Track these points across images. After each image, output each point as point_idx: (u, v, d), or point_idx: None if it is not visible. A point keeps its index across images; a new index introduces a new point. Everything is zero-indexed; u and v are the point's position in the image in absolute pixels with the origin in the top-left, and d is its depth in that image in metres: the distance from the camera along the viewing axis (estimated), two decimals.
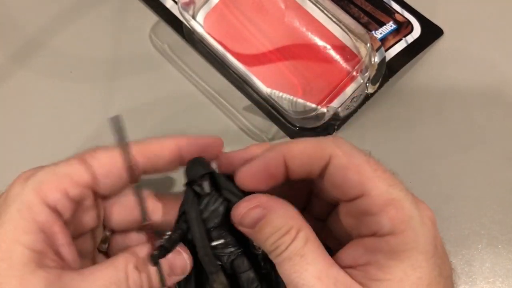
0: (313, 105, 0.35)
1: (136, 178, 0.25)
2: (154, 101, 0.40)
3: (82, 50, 0.43)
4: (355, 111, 0.38)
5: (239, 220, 0.26)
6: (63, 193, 0.26)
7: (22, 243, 0.24)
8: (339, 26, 0.39)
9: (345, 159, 0.25)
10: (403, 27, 0.41)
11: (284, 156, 0.26)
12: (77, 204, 0.27)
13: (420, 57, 0.41)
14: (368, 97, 0.38)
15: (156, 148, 0.28)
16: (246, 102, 0.39)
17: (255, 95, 0.38)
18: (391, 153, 0.38)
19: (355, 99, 0.37)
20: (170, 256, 0.25)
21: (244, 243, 0.27)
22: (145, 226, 0.25)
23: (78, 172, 0.26)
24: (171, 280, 0.27)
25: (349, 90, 0.37)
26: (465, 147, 0.38)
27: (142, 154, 0.27)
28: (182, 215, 0.27)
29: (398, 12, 0.42)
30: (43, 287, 0.23)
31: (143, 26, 0.43)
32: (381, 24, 0.41)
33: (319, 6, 0.39)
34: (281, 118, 0.38)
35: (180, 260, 0.27)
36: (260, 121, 0.39)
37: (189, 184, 0.27)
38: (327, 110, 0.36)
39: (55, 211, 0.25)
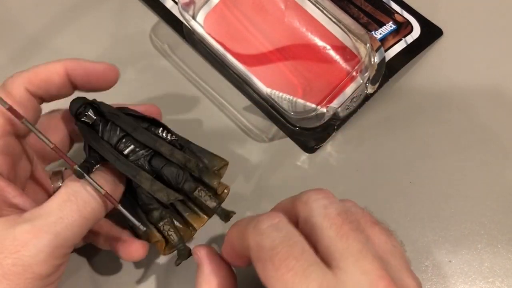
0: (313, 105, 0.35)
1: (19, 115, 0.26)
2: (154, 101, 0.40)
3: (82, 50, 0.43)
4: (355, 111, 0.38)
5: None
6: None
7: None
8: (339, 27, 0.39)
9: (254, 253, 0.23)
10: (402, 27, 0.41)
11: (244, 249, 0.25)
12: (9, 156, 0.27)
13: (420, 57, 0.41)
14: (368, 97, 0.38)
15: (44, 74, 0.28)
16: (246, 102, 0.39)
17: (255, 95, 0.38)
18: (391, 153, 0.38)
19: (355, 99, 0.37)
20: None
21: (152, 145, 0.30)
22: (54, 150, 0.26)
23: None
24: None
25: (349, 90, 0.37)
26: (465, 147, 0.38)
27: (31, 82, 0.28)
28: (90, 150, 0.29)
29: (397, 13, 0.42)
30: (7, 227, 0.24)
31: (143, 26, 0.43)
32: (381, 24, 0.41)
33: (319, 6, 0.39)
34: (281, 118, 0.38)
35: (108, 180, 0.28)
36: (260, 121, 0.39)
37: (77, 119, 0.29)
38: (327, 110, 0.36)
39: None
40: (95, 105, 0.30)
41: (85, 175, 0.26)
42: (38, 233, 0.24)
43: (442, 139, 0.38)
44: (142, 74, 0.42)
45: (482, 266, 0.34)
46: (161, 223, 0.30)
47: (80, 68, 0.29)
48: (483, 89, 0.40)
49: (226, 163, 0.32)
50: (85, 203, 0.26)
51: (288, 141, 0.38)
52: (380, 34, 0.40)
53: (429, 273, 0.33)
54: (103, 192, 0.26)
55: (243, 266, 0.27)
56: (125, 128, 0.29)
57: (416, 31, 0.41)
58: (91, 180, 0.26)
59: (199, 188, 0.30)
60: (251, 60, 0.39)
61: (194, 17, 0.40)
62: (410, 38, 0.40)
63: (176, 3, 0.41)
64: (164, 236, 0.30)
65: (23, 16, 0.44)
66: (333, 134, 0.38)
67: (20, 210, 0.26)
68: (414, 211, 0.35)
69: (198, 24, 0.39)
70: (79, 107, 0.29)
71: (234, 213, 0.30)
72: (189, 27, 0.39)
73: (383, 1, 0.42)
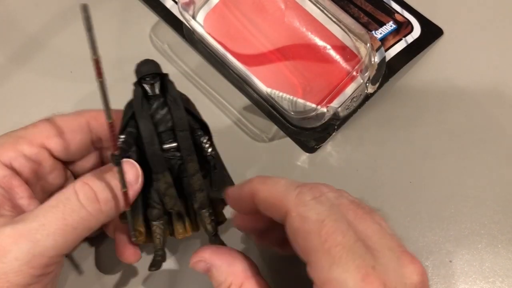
0: (313, 105, 0.35)
1: (116, 138, 0.24)
2: None
3: (82, 50, 0.42)
4: (355, 111, 0.38)
5: (192, 267, 0.27)
6: (18, 152, 0.27)
7: None
8: (339, 26, 0.39)
9: (297, 222, 0.23)
10: (403, 27, 0.41)
11: (252, 195, 0.26)
12: (36, 163, 0.27)
13: (420, 57, 0.41)
14: (368, 97, 0.38)
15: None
16: (246, 102, 0.39)
17: (255, 95, 0.38)
18: (391, 153, 0.38)
19: (355, 99, 0.37)
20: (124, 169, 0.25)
21: (185, 155, 0.27)
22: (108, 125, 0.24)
23: (33, 134, 0.28)
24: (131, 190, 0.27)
25: (349, 90, 0.37)
26: (465, 147, 0.38)
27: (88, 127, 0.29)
28: (131, 117, 0.26)
29: (398, 12, 0.42)
30: None
31: (143, 26, 0.43)
32: (381, 24, 0.41)
33: (319, 6, 0.39)
34: (281, 118, 0.38)
35: (133, 172, 0.27)
36: (260, 121, 0.39)
37: (140, 82, 0.27)
38: (327, 110, 0.36)
39: (12, 168, 0.27)
40: (165, 82, 0.27)
41: (121, 165, 0.24)
42: (17, 239, 0.23)
43: (442, 139, 0.38)
44: None
45: (483, 266, 0.34)
46: (155, 222, 0.28)
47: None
48: (483, 89, 0.40)
49: (224, 219, 0.31)
50: (73, 212, 0.24)
51: (288, 141, 0.38)
52: (380, 33, 0.40)
53: (429, 273, 0.33)
54: (123, 190, 0.25)
55: (246, 213, 0.28)
56: (176, 124, 0.27)
57: (417, 31, 0.41)
58: (122, 173, 0.24)
59: (206, 210, 0.29)
60: (251, 60, 0.39)
61: (194, 17, 0.40)
62: (410, 38, 0.40)
63: (176, 3, 0.41)
64: (150, 235, 0.29)
65: (23, 16, 0.44)
66: (333, 134, 0.38)
67: (22, 212, 0.25)
68: (414, 211, 0.35)
69: (198, 24, 0.39)
70: (150, 74, 0.26)
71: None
72: (189, 27, 0.39)
73: (383, 1, 0.42)
